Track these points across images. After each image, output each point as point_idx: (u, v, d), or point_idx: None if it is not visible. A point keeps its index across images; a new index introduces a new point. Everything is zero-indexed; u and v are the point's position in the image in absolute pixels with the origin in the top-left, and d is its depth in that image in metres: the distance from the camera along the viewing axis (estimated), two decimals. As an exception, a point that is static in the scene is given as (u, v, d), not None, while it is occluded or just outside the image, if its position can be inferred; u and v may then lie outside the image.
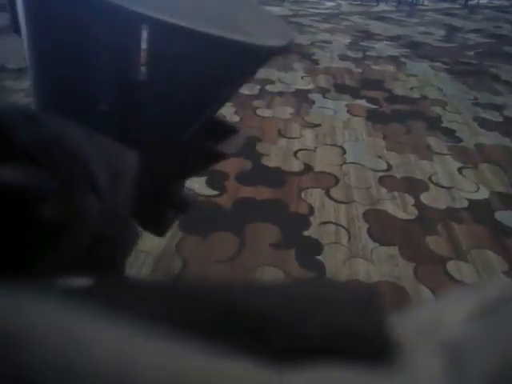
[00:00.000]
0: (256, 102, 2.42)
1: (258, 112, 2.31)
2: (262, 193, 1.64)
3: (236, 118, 2.21)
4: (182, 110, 0.27)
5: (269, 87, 2.65)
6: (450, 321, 0.11)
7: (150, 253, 1.31)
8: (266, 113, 2.31)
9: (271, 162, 1.85)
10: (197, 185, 1.64)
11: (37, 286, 0.11)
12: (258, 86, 2.63)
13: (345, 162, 1.89)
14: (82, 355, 0.09)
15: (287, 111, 2.35)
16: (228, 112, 2.26)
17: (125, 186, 0.17)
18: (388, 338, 0.10)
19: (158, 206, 0.31)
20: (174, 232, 1.40)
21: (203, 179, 1.68)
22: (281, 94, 2.58)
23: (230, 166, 1.78)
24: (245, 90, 2.57)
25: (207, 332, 0.10)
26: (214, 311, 0.10)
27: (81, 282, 0.12)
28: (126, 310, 0.10)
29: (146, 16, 0.22)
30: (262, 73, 2.86)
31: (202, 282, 0.12)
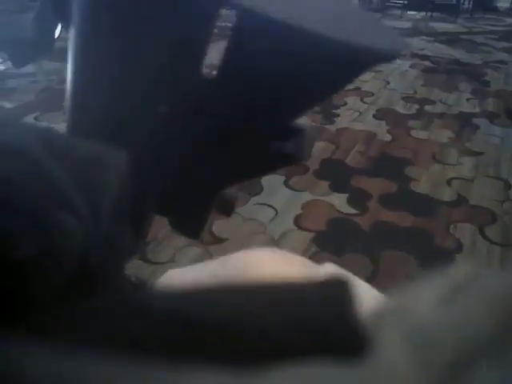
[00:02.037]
0: (411, 122, 2.29)
1: (413, 133, 2.18)
2: (405, 219, 1.54)
3: (387, 137, 2.12)
4: (255, 113, 0.24)
5: (428, 107, 2.48)
6: (419, 307, 0.11)
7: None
8: (422, 134, 2.17)
9: (420, 187, 1.73)
10: (337, 201, 1.61)
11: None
12: (416, 106, 2.49)
13: (508, 199, 1.67)
14: None
15: (446, 135, 2.17)
16: (379, 130, 2.18)
17: (110, 198, 0.15)
18: (356, 331, 0.10)
19: (204, 210, 0.30)
20: (308, 246, 1.39)
21: (344, 196, 1.64)
22: (441, 115, 2.40)
23: (374, 187, 1.70)
24: (401, 108, 2.46)
25: (170, 350, 0.10)
26: (176, 328, 0.10)
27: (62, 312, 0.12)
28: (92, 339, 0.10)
29: (234, 2, 0.19)
30: (421, 92, 2.70)
31: (162, 296, 0.12)
